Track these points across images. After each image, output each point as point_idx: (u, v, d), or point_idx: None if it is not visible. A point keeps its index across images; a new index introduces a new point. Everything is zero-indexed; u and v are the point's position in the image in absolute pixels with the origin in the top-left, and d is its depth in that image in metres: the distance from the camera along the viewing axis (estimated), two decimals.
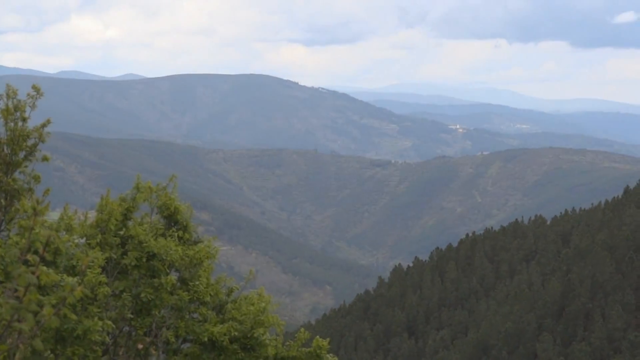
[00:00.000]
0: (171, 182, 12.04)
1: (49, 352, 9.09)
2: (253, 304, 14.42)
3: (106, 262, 8.17)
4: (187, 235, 10.78)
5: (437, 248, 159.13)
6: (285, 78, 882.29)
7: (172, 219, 9.88)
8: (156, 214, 10.22)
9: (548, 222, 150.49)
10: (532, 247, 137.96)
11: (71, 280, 4.97)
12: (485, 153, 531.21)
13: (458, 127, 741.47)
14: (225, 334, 13.40)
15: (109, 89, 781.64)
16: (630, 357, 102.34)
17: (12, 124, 5.89)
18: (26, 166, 6.46)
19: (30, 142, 6.25)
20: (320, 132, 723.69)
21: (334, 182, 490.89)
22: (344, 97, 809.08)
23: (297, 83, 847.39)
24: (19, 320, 4.28)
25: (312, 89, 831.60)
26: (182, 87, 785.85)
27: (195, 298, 12.23)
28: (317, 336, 15.95)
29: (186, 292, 12.18)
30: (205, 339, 13.35)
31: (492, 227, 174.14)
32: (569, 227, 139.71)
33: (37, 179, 6.33)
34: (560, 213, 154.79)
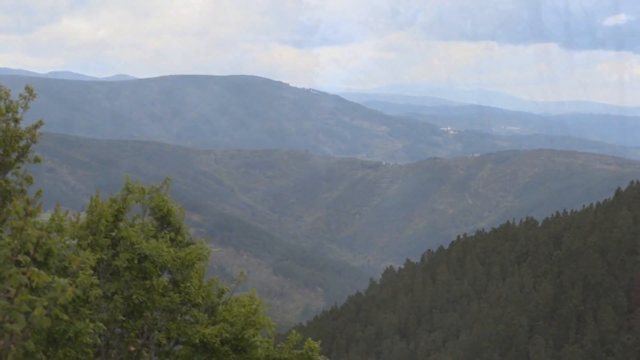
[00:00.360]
0: (164, 184, 12.06)
1: (40, 353, 9.05)
2: (244, 306, 14.37)
3: (97, 264, 8.21)
4: (179, 237, 10.79)
5: (429, 250, 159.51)
6: (276, 79, 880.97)
7: (164, 221, 9.88)
8: (149, 215, 10.23)
9: (539, 224, 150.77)
10: (524, 249, 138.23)
11: (62, 281, 4.95)
12: (476, 155, 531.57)
13: (449, 128, 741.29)
14: (216, 336, 13.35)
15: (99, 89, 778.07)
16: (623, 359, 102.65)
17: (4, 125, 5.87)
18: (18, 167, 6.44)
19: (22, 143, 6.23)
20: (311, 133, 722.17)
21: (325, 184, 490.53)
22: (335, 98, 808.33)
23: (288, 84, 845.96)
24: (10, 321, 4.26)
25: (303, 90, 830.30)
26: (173, 88, 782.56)
27: (186, 300, 12.24)
28: (309, 338, 15.93)
29: (178, 294, 12.18)
30: (197, 341, 13.30)
31: (483, 229, 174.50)
32: (561, 229, 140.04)
33: (29, 180, 6.31)
34: (552, 215, 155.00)
